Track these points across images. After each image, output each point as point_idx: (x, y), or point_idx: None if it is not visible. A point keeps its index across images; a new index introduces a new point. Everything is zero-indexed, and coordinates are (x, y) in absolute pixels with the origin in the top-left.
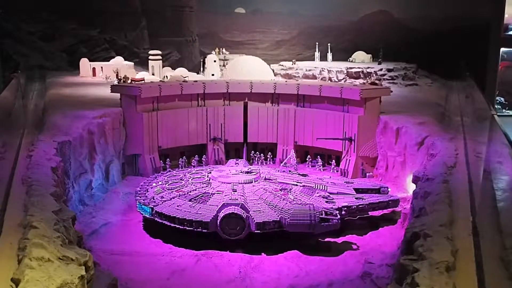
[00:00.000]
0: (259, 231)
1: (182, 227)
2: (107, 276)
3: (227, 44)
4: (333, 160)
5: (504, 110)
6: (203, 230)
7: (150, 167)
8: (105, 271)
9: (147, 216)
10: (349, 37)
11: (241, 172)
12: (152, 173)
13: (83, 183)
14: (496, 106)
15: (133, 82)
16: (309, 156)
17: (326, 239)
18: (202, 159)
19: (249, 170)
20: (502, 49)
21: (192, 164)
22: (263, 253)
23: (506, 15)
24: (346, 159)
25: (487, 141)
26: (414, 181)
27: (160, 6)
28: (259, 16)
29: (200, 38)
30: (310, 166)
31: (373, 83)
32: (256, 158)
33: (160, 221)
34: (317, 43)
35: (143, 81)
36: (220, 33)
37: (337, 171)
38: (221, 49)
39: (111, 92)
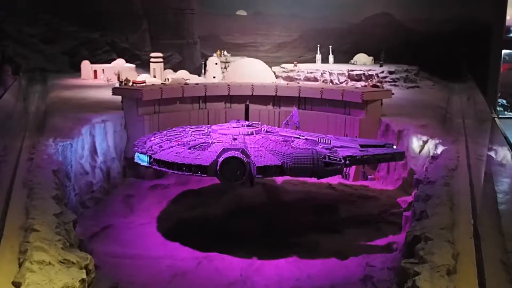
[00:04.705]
0: (260, 176)
1: (181, 173)
2: (108, 279)
3: (229, 46)
4: None
5: (506, 112)
6: (202, 175)
7: (151, 170)
8: (106, 274)
9: (145, 165)
10: (351, 40)
11: (242, 126)
12: (153, 176)
13: (84, 186)
14: (498, 109)
15: (134, 84)
16: None
17: (328, 242)
18: None
19: (251, 124)
20: (504, 51)
21: None
22: (264, 256)
23: (508, 17)
24: None
25: (488, 143)
26: (415, 184)
27: (161, 8)
28: (260, 18)
29: (202, 40)
30: None
31: (374, 86)
32: None
33: (158, 168)
34: (318, 45)
35: (144, 84)
36: (221, 36)
37: None
38: (222, 51)
39: (112, 94)
